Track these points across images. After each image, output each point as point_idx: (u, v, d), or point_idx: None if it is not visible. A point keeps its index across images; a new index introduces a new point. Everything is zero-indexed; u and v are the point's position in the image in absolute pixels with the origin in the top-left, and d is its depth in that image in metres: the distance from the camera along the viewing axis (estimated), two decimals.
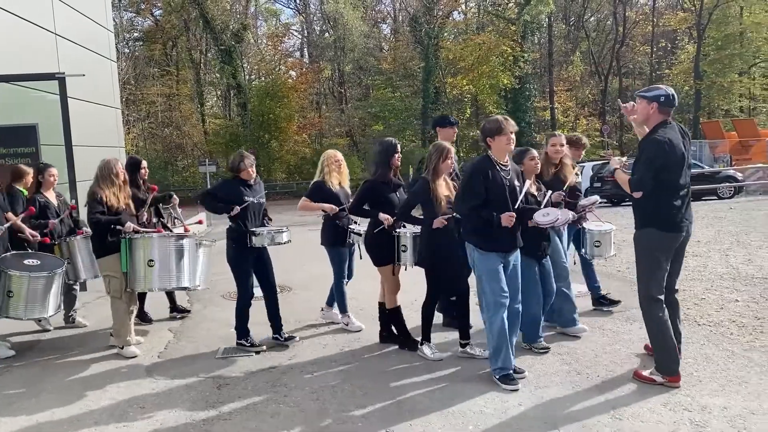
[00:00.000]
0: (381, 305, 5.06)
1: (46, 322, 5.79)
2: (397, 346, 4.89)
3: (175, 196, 6.14)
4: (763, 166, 20.24)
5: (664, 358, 3.90)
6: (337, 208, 5.21)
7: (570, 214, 4.46)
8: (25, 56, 8.32)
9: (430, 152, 4.55)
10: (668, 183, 3.78)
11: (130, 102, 31.34)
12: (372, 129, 35.72)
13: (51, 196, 5.64)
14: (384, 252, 4.82)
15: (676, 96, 3.91)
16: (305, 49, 42.78)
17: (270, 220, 5.23)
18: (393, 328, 5.02)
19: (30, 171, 5.70)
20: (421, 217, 4.56)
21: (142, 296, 5.81)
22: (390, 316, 4.99)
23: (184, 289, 5.05)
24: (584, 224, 5.53)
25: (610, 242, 5.55)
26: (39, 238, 5.08)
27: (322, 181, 5.34)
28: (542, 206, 4.35)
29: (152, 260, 4.67)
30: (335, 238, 5.33)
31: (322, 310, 5.81)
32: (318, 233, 5.50)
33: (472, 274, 4.29)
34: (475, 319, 4.64)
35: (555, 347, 4.71)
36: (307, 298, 6.68)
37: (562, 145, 5.13)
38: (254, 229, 4.87)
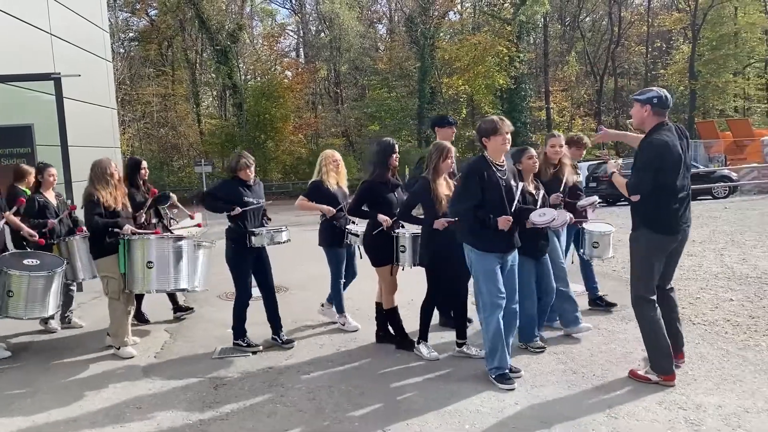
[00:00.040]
0: (378, 305, 5.07)
1: (53, 323, 5.76)
2: (393, 346, 4.90)
3: (173, 195, 6.11)
4: (757, 165, 20.33)
5: (657, 357, 3.92)
6: (335, 211, 5.22)
7: (567, 216, 4.47)
8: (20, 56, 8.29)
9: (431, 151, 4.55)
10: (666, 185, 3.78)
11: (125, 102, 31.25)
12: (368, 129, 35.71)
13: (50, 195, 5.63)
14: (382, 252, 4.82)
15: (669, 97, 3.90)
16: (301, 49, 42.76)
17: (269, 219, 5.23)
18: (390, 328, 5.03)
19: (32, 171, 5.70)
20: (422, 216, 4.57)
21: (139, 297, 5.79)
22: (387, 316, 4.99)
23: (183, 290, 5.06)
24: (584, 224, 5.55)
25: (608, 244, 5.57)
26: (37, 237, 5.07)
27: (320, 180, 5.35)
28: (538, 206, 4.37)
29: (151, 262, 4.67)
30: (333, 239, 5.33)
31: (322, 305, 5.81)
32: (315, 233, 5.51)
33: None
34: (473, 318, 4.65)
35: (551, 346, 4.73)
36: (304, 299, 6.68)
37: (561, 146, 5.14)
38: (253, 229, 4.87)
